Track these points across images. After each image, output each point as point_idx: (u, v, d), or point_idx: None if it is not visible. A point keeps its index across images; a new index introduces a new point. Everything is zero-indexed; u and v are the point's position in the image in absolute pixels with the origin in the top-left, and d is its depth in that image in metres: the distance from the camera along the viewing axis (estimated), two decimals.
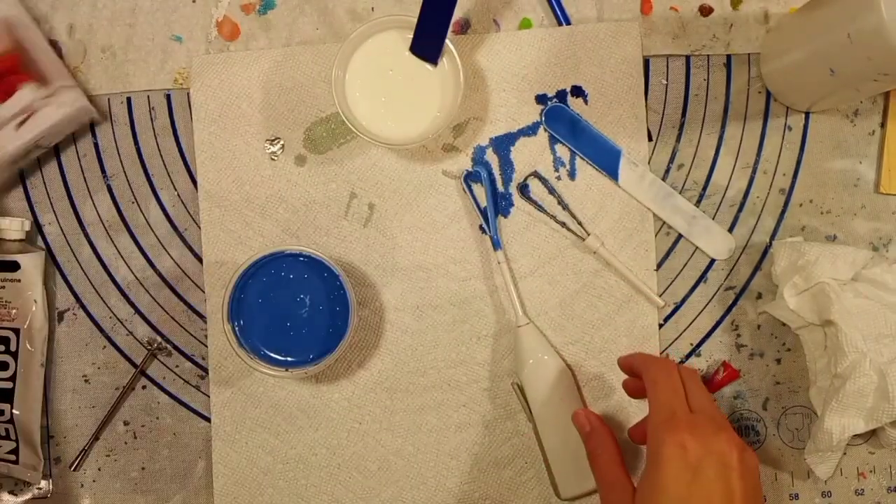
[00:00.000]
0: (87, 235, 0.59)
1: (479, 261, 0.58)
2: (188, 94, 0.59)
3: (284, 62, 0.59)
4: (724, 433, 0.44)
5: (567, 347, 0.58)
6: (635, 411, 0.58)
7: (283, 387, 0.58)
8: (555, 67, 0.58)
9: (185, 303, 0.59)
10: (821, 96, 0.56)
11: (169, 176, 0.59)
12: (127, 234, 0.59)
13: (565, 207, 0.58)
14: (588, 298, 0.58)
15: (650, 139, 0.59)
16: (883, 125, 0.59)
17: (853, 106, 0.59)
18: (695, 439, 0.43)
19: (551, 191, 0.58)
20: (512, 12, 0.59)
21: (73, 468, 0.58)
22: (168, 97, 0.59)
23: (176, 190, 0.59)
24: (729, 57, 0.59)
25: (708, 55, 0.59)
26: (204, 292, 0.59)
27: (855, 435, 0.52)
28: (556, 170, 0.58)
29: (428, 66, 0.55)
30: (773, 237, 0.59)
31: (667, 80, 0.59)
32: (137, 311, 0.59)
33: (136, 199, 0.59)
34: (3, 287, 0.57)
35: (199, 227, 0.59)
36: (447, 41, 0.53)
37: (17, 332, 0.56)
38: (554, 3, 0.59)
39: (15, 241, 0.57)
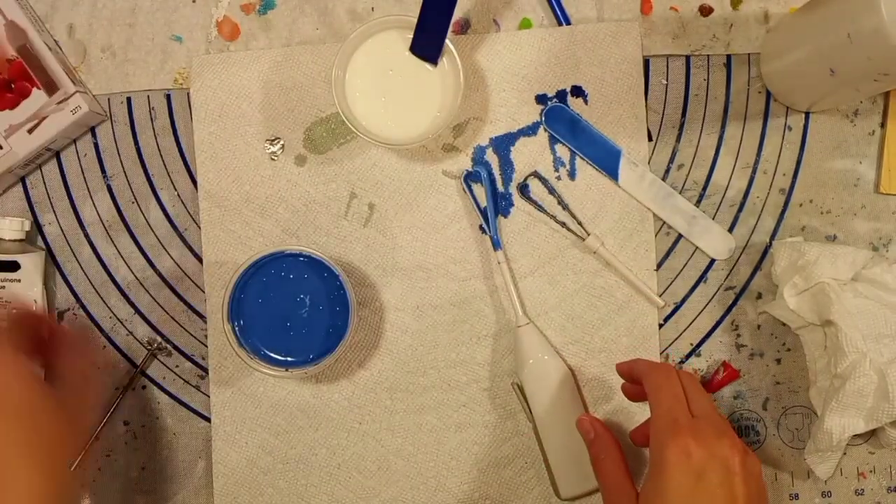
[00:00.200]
0: (87, 235, 0.59)
1: (479, 261, 0.58)
2: (188, 94, 0.59)
3: (284, 62, 0.59)
4: (727, 438, 0.44)
5: (567, 347, 0.58)
6: (636, 412, 0.58)
7: (283, 387, 0.58)
8: (555, 67, 0.58)
9: (185, 303, 0.59)
10: (821, 96, 0.56)
11: (169, 176, 0.59)
12: (127, 234, 0.59)
13: (565, 207, 0.58)
14: (588, 298, 0.58)
15: (650, 139, 0.59)
16: (883, 125, 0.59)
17: (853, 106, 0.59)
18: (698, 445, 0.43)
19: (551, 191, 0.58)
20: (512, 12, 0.59)
21: (72, 468, 0.58)
22: (168, 97, 0.59)
23: (176, 190, 0.59)
24: (729, 57, 0.59)
25: (708, 55, 0.59)
26: (204, 292, 0.59)
27: (855, 435, 0.52)
28: (556, 170, 0.58)
29: (428, 66, 0.55)
30: (773, 237, 0.59)
31: (667, 80, 0.59)
32: (137, 311, 0.59)
33: (136, 199, 0.59)
34: (3, 287, 0.57)
35: (199, 227, 0.59)
36: (447, 41, 0.53)
37: None
38: (554, 3, 0.59)
39: (15, 241, 0.57)
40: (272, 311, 0.53)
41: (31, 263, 0.57)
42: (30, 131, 0.56)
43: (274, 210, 0.59)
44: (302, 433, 0.58)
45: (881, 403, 0.50)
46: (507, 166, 0.58)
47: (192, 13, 0.59)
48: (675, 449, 0.43)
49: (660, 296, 0.58)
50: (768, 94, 0.59)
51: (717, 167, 0.59)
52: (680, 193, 0.58)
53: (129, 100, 0.59)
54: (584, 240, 0.57)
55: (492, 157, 0.58)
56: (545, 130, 0.58)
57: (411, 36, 0.54)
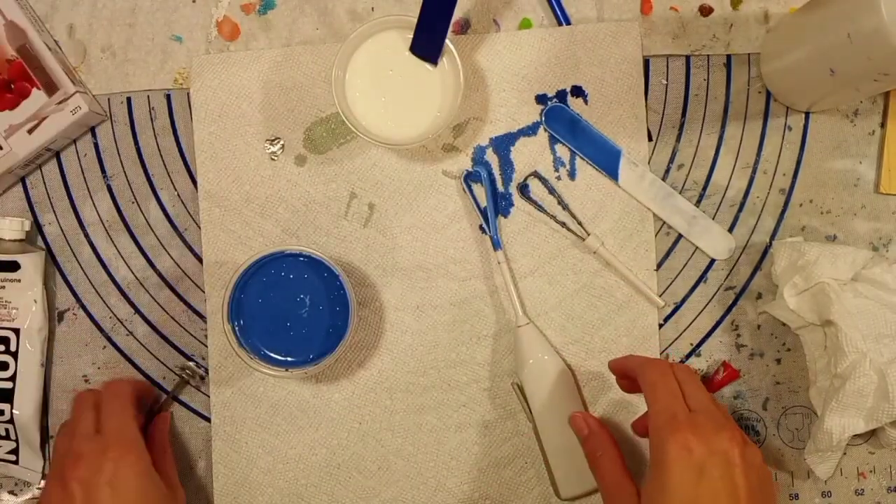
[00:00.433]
0: (87, 235, 0.59)
1: (479, 261, 0.58)
2: (188, 94, 0.59)
3: (284, 62, 0.59)
4: (726, 431, 0.44)
5: (567, 347, 0.58)
6: (637, 410, 0.58)
7: (283, 387, 0.58)
8: (555, 67, 0.58)
9: (185, 303, 0.59)
10: (821, 96, 0.56)
11: (169, 176, 0.59)
12: (127, 234, 0.59)
13: (565, 207, 0.58)
14: (588, 298, 0.58)
15: (650, 139, 0.59)
16: (883, 125, 0.59)
17: (853, 106, 0.59)
18: (697, 439, 0.43)
19: (551, 191, 0.58)
20: (512, 12, 0.59)
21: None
22: (168, 97, 0.59)
23: (176, 190, 0.59)
24: (729, 57, 0.59)
25: (708, 55, 0.59)
26: (204, 292, 0.59)
27: (855, 435, 0.52)
28: (556, 170, 0.58)
29: (428, 66, 0.55)
30: (773, 237, 0.59)
31: (667, 80, 0.59)
32: (137, 311, 0.59)
33: (136, 199, 0.59)
34: (3, 287, 0.57)
35: (199, 227, 0.59)
36: (447, 41, 0.53)
37: (17, 332, 0.56)
38: (554, 3, 0.59)
39: (15, 241, 0.57)
40: (272, 311, 0.53)
41: (31, 263, 0.57)
42: (30, 131, 0.56)
43: (274, 210, 0.59)
44: (302, 433, 0.58)
45: (881, 403, 0.50)
46: (507, 166, 0.58)
47: (192, 13, 0.59)
48: (674, 445, 0.43)
49: (660, 296, 0.58)
50: (768, 94, 0.59)
51: (717, 167, 0.59)
52: (680, 193, 0.58)
53: (129, 100, 0.59)
54: (584, 240, 0.57)
55: (492, 157, 0.58)
56: (545, 130, 0.58)
57: (411, 36, 0.54)
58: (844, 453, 0.57)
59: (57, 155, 0.60)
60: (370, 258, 0.58)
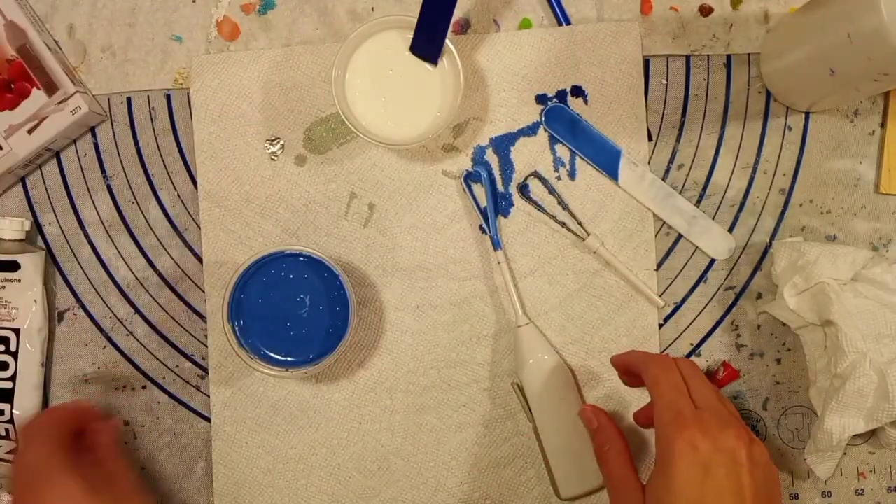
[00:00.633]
0: (87, 235, 0.59)
1: (479, 261, 0.58)
2: (188, 94, 0.59)
3: (284, 62, 0.59)
4: (732, 428, 0.44)
5: (567, 347, 0.58)
6: (636, 409, 0.58)
7: (283, 387, 0.58)
8: (555, 67, 0.58)
9: (185, 303, 0.59)
10: (821, 96, 0.56)
11: (169, 176, 0.59)
12: (127, 234, 0.59)
13: (565, 207, 0.58)
14: (588, 298, 0.58)
15: (650, 139, 0.59)
16: (883, 125, 0.59)
17: (853, 106, 0.59)
18: (704, 437, 0.43)
19: (551, 191, 0.58)
20: (512, 12, 0.59)
21: None
22: (168, 97, 0.59)
23: (176, 190, 0.59)
24: (729, 57, 0.59)
25: (708, 55, 0.59)
26: (204, 292, 0.59)
27: (855, 435, 0.52)
28: (556, 170, 0.58)
29: (428, 66, 0.55)
30: (773, 237, 0.59)
31: (667, 80, 0.59)
32: (137, 311, 0.59)
33: (136, 199, 0.59)
34: (3, 287, 0.57)
35: (199, 227, 0.59)
36: (447, 41, 0.53)
37: (17, 332, 0.57)
38: (554, 3, 0.59)
39: (15, 241, 0.57)
40: (272, 311, 0.53)
41: (31, 263, 0.57)
42: (30, 131, 0.56)
43: (274, 210, 0.59)
44: (302, 433, 0.58)
45: (881, 403, 0.50)
46: (507, 166, 0.58)
47: (192, 13, 0.59)
48: (681, 443, 0.43)
49: (660, 296, 0.58)
50: (768, 94, 0.59)
51: (717, 167, 0.59)
52: (680, 193, 0.58)
53: (129, 100, 0.59)
54: (584, 240, 0.57)
55: (492, 157, 0.58)
56: (545, 130, 0.58)
57: (411, 36, 0.54)
58: (844, 453, 0.57)
59: (57, 155, 0.60)
60: (370, 258, 0.58)
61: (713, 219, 0.58)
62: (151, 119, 0.59)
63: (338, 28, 0.59)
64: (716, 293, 0.59)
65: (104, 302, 0.59)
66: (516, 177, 0.58)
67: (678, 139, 0.59)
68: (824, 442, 0.52)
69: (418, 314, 0.58)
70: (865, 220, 0.59)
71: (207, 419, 0.59)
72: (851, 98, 0.58)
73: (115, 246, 0.59)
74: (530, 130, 0.58)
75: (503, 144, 0.58)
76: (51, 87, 0.56)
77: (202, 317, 0.59)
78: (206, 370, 0.59)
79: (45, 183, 0.60)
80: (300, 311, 0.53)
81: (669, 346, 0.58)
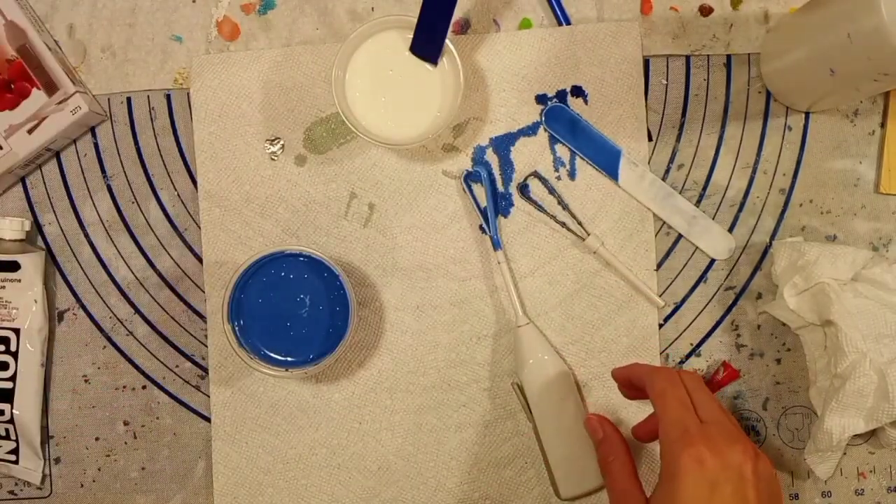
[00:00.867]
0: (87, 235, 0.59)
1: (479, 261, 0.58)
2: (188, 94, 0.59)
3: (284, 62, 0.59)
4: (739, 444, 0.44)
5: (567, 347, 0.58)
6: (635, 412, 0.58)
7: (283, 387, 0.58)
8: (555, 67, 0.58)
9: (185, 303, 0.59)
10: (821, 96, 0.56)
11: (169, 176, 0.59)
12: (127, 234, 0.59)
13: (565, 207, 0.58)
14: (588, 298, 0.58)
15: (650, 139, 0.59)
16: (883, 125, 0.59)
17: (853, 106, 0.59)
18: (711, 453, 0.43)
19: (551, 191, 0.58)
20: (512, 12, 0.59)
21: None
22: (168, 97, 0.59)
23: (176, 190, 0.59)
24: (729, 57, 0.59)
25: (708, 55, 0.59)
26: (204, 292, 0.59)
27: (855, 435, 0.52)
28: (556, 170, 0.58)
29: (428, 66, 0.55)
30: (773, 237, 0.59)
31: (667, 80, 0.59)
32: (137, 311, 0.59)
33: (136, 199, 0.59)
34: (3, 287, 0.57)
35: (199, 227, 0.59)
36: (447, 41, 0.53)
37: (17, 332, 0.57)
38: (554, 3, 0.59)
39: (15, 241, 0.57)
40: (272, 311, 0.53)
41: (31, 263, 0.57)
42: (30, 131, 0.56)
43: (274, 210, 0.59)
44: (302, 433, 0.58)
45: (881, 403, 0.50)
46: (507, 166, 0.58)
47: (192, 13, 0.59)
48: (687, 458, 0.43)
49: (660, 296, 0.58)
50: (768, 94, 0.59)
51: (717, 167, 0.59)
52: (680, 193, 0.58)
53: (129, 100, 0.59)
54: (584, 240, 0.57)
55: (492, 157, 0.58)
56: (545, 130, 0.58)
57: (411, 36, 0.54)
58: (844, 453, 0.57)
59: (57, 155, 0.60)
60: (370, 258, 0.58)
61: (713, 219, 0.58)
62: (151, 119, 0.59)
63: (338, 28, 0.59)
64: (716, 293, 0.59)
65: (104, 302, 0.59)
66: (516, 177, 0.58)
67: (678, 139, 0.59)
68: (824, 442, 0.52)
69: (418, 314, 0.58)
70: (865, 220, 0.59)
71: (207, 419, 0.59)
72: (851, 98, 0.58)
73: (115, 246, 0.59)
74: (530, 130, 0.58)
75: (503, 144, 0.58)
76: (51, 87, 0.56)
77: (202, 317, 0.59)
78: (206, 370, 0.59)
79: (45, 183, 0.60)
80: (300, 311, 0.53)
81: (669, 346, 0.58)
